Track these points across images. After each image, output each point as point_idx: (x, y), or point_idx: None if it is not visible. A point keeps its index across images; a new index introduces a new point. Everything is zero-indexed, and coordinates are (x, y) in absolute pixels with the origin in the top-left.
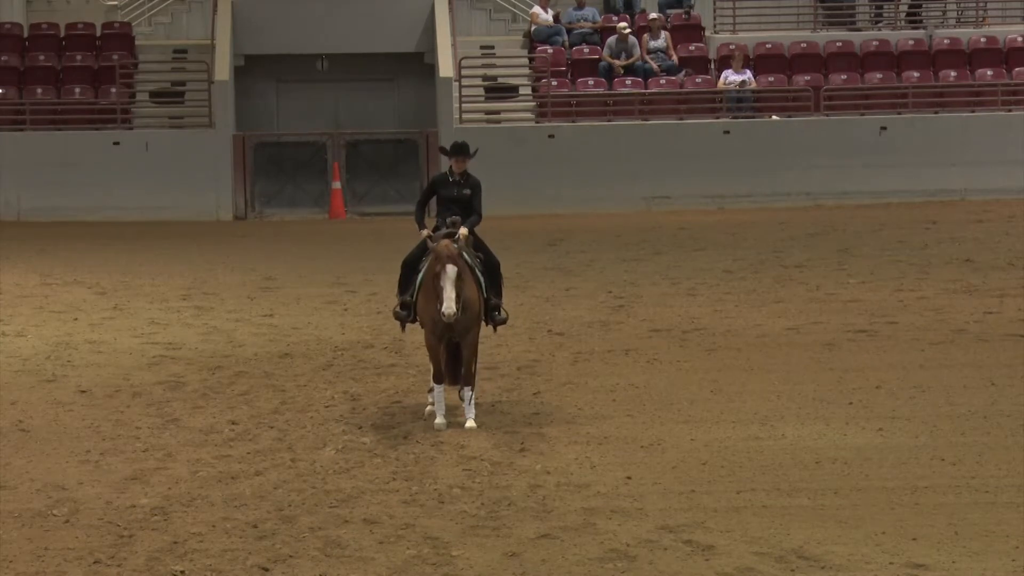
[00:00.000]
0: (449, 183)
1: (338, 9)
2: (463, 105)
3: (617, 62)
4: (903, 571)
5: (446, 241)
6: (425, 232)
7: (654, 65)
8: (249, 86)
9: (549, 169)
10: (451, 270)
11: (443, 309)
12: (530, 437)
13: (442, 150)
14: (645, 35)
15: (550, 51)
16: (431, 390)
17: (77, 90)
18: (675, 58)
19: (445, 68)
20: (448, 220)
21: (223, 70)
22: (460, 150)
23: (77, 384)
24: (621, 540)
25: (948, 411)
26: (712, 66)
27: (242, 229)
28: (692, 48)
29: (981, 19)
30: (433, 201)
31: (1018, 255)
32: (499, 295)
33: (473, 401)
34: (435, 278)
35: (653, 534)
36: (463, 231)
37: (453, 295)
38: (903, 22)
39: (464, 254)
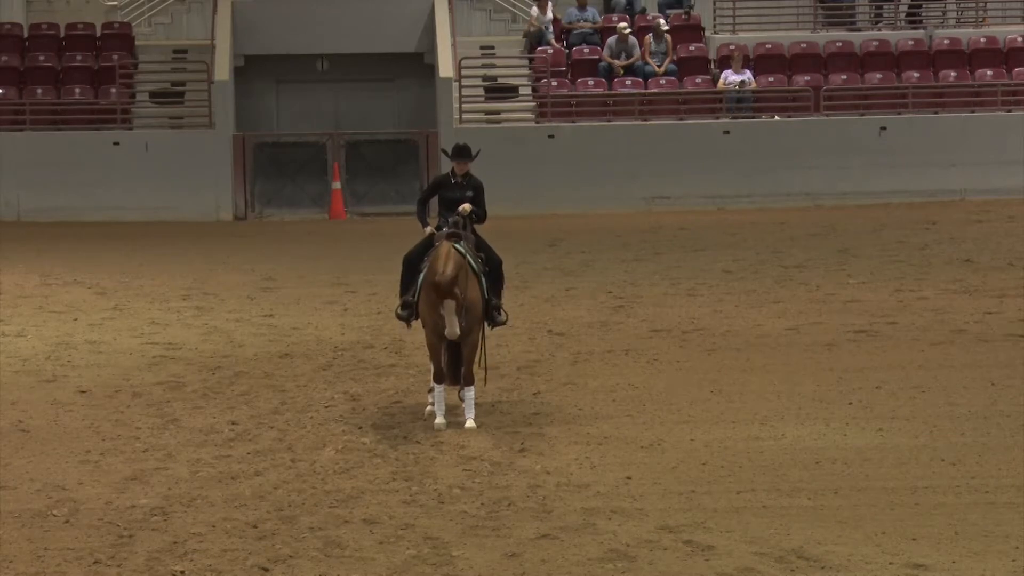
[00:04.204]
0: (451, 184)
1: (338, 9)
2: (463, 105)
3: (617, 62)
4: (903, 571)
5: (450, 273)
6: (428, 229)
7: (655, 66)
8: (249, 86)
9: (549, 169)
10: (449, 305)
11: (447, 334)
12: (530, 437)
13: (444, 152)
14: (647, 36)
15: (550, 51)
16: (431, 390)
17: (77, 90)
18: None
19: (445, 68)
20: (450, 220)
21: (223, 70)
22: (461, 152)
23: (77, 384)
24: (621, 540)
25: (948, 411)
26: (712, 66)
27: (242, 229)
28: (692, 48)
29: (981, 19)
30: (435, 201)
31: (1018, 255)
32: (499, 296)
33: (473, 401)
34: (435, 290)
35: (653, 534)
36: (466, 206)
37: (455, 320)
38: (903, 22)
39: (466, 254)
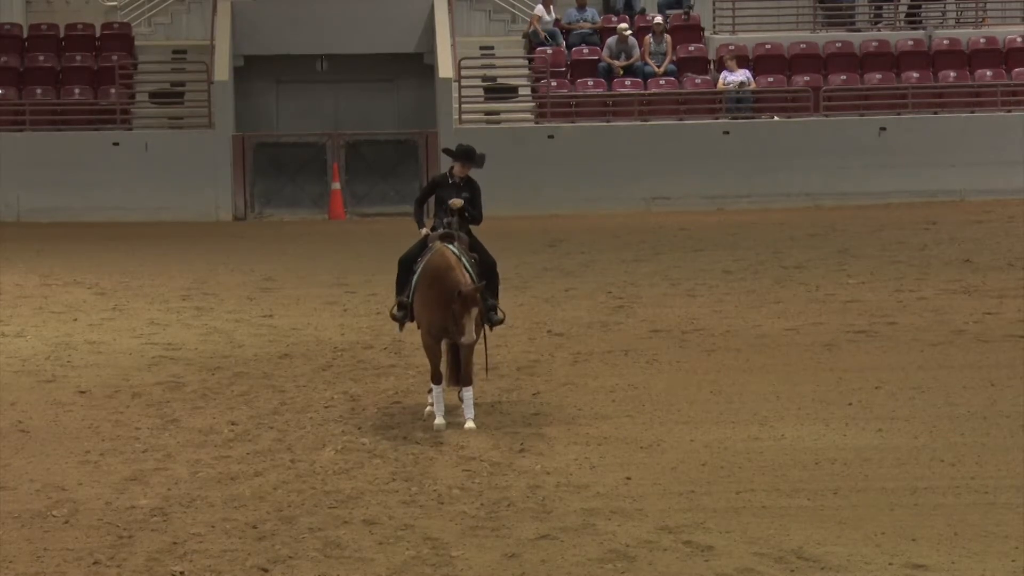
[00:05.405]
0: (449, 185)
1: (338, 10)
2: (463, 106)
3: (617, 63)
4: (902, 571)
5: (472, 283)
6: (424, 231)
7: (654, 66)
8: (249, 87)
9: (549, 169)
10: (473, 311)
11: (464, 340)
12: (529, 438)
13: (447, 151)
14: (647, 36)
15: (549, 52)
16: (430, 391)
17: (77, 91)
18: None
19: (445, 69)
20: (445, 221)
21: (223, 71)
22: (466, 156)
23: (77, 385)
24: (621, 541)
25: (947, 412)
26: (712, 67)
27: (241, 230)
28: (692, 48)
29: (980, 20)
30: (432, 201)
31: (1017, 256)
32: (495, 295)
33: (472, 402)
34: (458, 304)
35: (653, 535)
36: (456, 200)
37: (473, 327)
38: (902, 22)
39: (460, 256)
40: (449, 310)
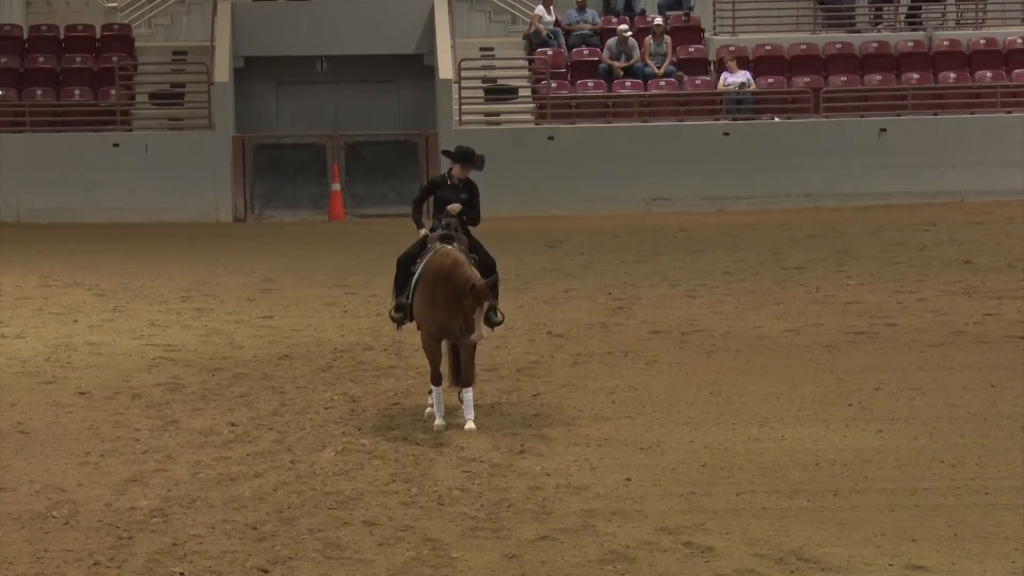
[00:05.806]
0: (447, 186)
1: (338, 11)
2: (463, 107)
3: (617, 64)
4: (902, 572)
5: (482, 278)
6: (423, 231)
7: (654, 67)
8: (249, 88)
9: (549, 170)
10: (482, 308)
11: (473, 338)
12: (530, 439)
13: (446, 153)
14: (647, 37)
15: (549, 53)
16: (430, 392)
17: (77, 92)
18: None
19: (445, 70)
20: (444, 222)
21: (223, 72)
22: (466, 158)
23: (77, 386)
24: (620, 542)
25: (947, 413)
26: (712, 68)
27: (241, 231)
28: (692, 50)
29: (980, 21)
30: (431, 202)
31: (1017, 257)
32: (495, 296)
33: (472, 403)
34: (471, 299)
35: (653, 536)
36: (455, 205)
37: (483, 323)
38: (903, 24)
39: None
40: (456, 308)
